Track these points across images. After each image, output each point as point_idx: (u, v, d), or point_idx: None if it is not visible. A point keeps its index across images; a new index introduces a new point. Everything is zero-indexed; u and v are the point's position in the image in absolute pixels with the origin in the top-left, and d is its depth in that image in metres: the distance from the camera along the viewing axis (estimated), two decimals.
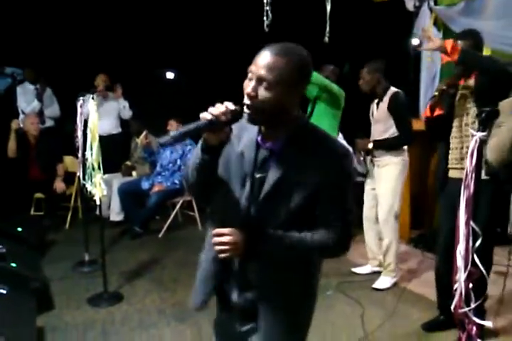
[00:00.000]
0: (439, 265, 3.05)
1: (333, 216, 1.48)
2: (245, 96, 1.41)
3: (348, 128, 4.81)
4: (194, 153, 1.53)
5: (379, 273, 3.95)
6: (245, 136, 1.54)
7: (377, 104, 3.84)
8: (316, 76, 4.04)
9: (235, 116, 1.38)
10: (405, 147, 3.82)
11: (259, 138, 1.52)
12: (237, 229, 1.45)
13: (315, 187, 1.44)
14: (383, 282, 3.82)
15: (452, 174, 2.87)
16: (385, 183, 3.76)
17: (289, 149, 1.47)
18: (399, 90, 3.72)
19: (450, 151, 2.87)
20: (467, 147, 2.65)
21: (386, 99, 3.71)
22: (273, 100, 1.39)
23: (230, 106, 1.38)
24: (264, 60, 1.38)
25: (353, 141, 4.09)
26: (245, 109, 1.41)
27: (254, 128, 1.53)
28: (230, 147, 1.52)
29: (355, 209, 1.56)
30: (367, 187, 3.98)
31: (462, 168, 2.63)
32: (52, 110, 6.01)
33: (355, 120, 4.46)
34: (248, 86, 1.40)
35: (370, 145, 3.79)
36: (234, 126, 1.49)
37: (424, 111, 3.02)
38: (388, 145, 3.74)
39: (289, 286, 1.56)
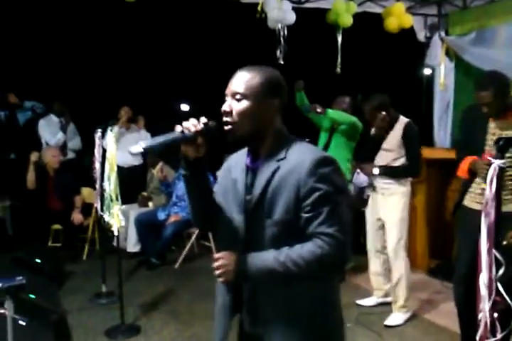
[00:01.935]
0: (459, 296, 2.95)
1: (318, 223, 1.44)
2: (223, 115, 1.52)
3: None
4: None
5: (387, 303, 3.86)
6: (239, 164, 1.62)
7: (386, 131, 3.74)
8: (343, 115, 4.08)
9: (209, 129, 1.48)
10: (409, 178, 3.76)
11: (247, 161, 1.60)
12: (235, 252, 1.51)
13: (294, 195, 1.46)
14: (395, 319, 3.67)
15: (473, 206, 2.85)
16: (393, 214, 3.66)
17: (267, 163, 1.53)
18: (410, 120, 3.69)
19: (473, 184, 2.86)
20: None
21: (398, 128, 3.65)
22: (247, 111, 1.50)
23: (203, 119, 1.49)
24: (233, 79, 1.54)
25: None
26: (225, 127, 1.51)
27: (245, 155, 1.62)
28: (227, 177, 1.64)
29: (348, 218, 1.49)
30: (371, 218, 3.86)
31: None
32: (75, 143, 6.15)
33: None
34: (224, 105, 1.53)
35: (376, 171, 3.68)
36: (232, 156, 1.68)
37: (460, 171, 2.93)
38: (395, 173, 3.66)
39: (300, 322, 1.53)
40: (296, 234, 1.48)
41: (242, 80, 1.52)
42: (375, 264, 3.93)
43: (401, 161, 3.65)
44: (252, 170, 1.58)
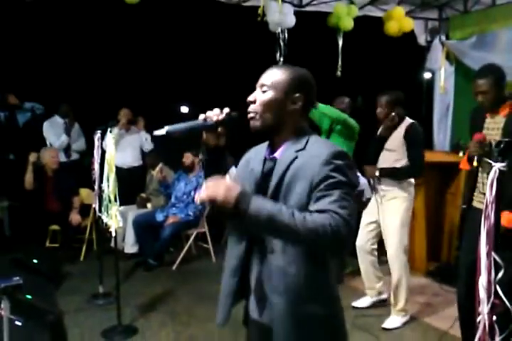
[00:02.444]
0: (461, 299, 2.96)
1: (329, 201, 1.41)
2: (248, 105, 1.59)
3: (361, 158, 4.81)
4: None
5: (383, 301, 3.87)
6: (258, 156, 1.68)
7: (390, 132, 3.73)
8: (334, 110, 4.08)
9: (231, 118, 1.53)
10: (413, 181, 3.71)
11: (267, 153, 1.65)
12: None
13: (308, 184, 1.47)
14: (393, 322, 3.66)
15: (476, 204, 2.86)
16: (393, 218, 3.63)
17: (285, 154, 1.57)
18: (415, 121, 3.67)
19: (477, 184, 2.86)
20: None
21: (402, 128, 3.63)
22: (270, 102, 1.56)
23: (225, 109, 1.54)
24: (265, 73, 1.61)
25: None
26: (248, 116, 1.58)
27: (265, 147, 1.67)
28: (245, 168, 1.69)
29: (354, 212, 1.45)
30: (366, 219, 3.85)
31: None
32: (79, 144, 6.13)
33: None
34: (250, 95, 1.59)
35: (377, 173, 3.65)
36: (251, 151, 1.75)
37: (461, 163, 3.00)
38: (396, 174, 3.63)
39: (305, 309, 1.54)
40: None
41: (271, 74, 1.59)
42: (365, 264, 3.93)
43: (403, 162, 3.62)
44: (269, 161, 1.62)
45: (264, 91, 1.57)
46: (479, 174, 2.82)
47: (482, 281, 1.73)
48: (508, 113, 2.71)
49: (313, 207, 1.43)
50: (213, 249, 5.42)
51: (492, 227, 1.71)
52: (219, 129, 1.54)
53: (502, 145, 1.73)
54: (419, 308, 3.95)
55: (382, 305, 3.94)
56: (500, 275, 1.70)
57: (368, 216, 3.85)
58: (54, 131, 5.92)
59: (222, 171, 1.59)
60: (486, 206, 1.72)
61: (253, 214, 1.36)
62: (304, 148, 1.55)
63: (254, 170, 1.64)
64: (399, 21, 5.45)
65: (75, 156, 6.09)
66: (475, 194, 2.89)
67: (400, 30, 5.49)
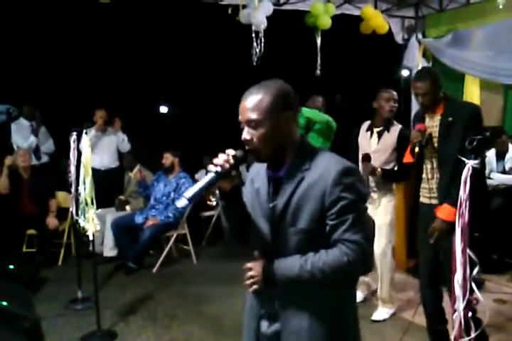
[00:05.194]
0: (423, 290, 3.08)
1: (343, 230, 1.48)
2: (245, 144, 1.55)
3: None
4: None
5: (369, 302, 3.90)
6: (260, 174, 1.67)
7: (379, 133, 3.74)
8: (316, 113, 4.10)
9: (239, 160, 1.52)
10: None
11: (269, 171, 1.63)
12: (263, 260, 1.58)
13: (320, 204, 1.50)
14: (381, 313, 3.79)
15: (422, 200, 3.04)
16: (384, 217, 3.73)
17: (291, 173, 1.56)
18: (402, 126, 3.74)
19: (422, 180, 3.01)
20: (437, 178, 2.87)
21: (394, 130, 3.67)
22: (267, 135, 1.51)
23: (231, 152, 1.51)
24: (243, 105, 1.53)
25: None
26: (249, 154, 1.55)
27: (265, 165, 1.65)
28: (251, 187, 1.69)
29: (370, 226, 1.56)
30: None
31: (429, 197, 2.94)
32: (48, 146, 6.03)
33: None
34: (243, 134, 1.54)
35: (378, 172, 3.60)
36: (253, 167, 1.73)
37: (405, 158, 3.13)
38: (393, 176, 3.71)
39: (317, 318, 1.56)
40: (319, 242, 1.52)
41: (252, 106, 1.52)
42: None
43: (392, 165, 3.68)
44: (274, 180, 1.61)
45: (254, 127, 1.52)
46: (424, 167, 2.96)
47: (458, 278, 1.73)
48: (442, 111, 2.85)
49: (330, 236, 1.50)
50: (194, 250, 5.39)
51: (466, 225, 1.71)
52: (232, 173, 1.53)
53: (475, 143, 1.73)
54: (399, 304, 3.98)
55: (367, 302, 4.03)
56: (475, 272, 1.71)
57: None
58: (21, 134, 5.81)
59: (241, 209, 1.65)
60: (460, 204, 1.72)
61: (282, 283, 1.54)
62: (309, 168, 1.55)
63: (260, 190, 1.64)
64: (371, 20, 5.49)
65: (44, 159, 5.99)
66: (421, 189, 3.05)
67: (374, 28, 5.52)
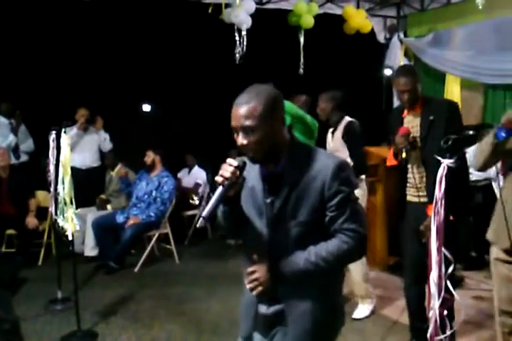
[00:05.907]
0: (407, 291, 3.10)
1: (342, 220, 1.62)
2: (242, 148, 1.62)
3: None
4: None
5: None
6: (252, 171, 1.72)
7: (333, 133, 3.90)
8: (291, 106, 4.09)
9: (242, 168, 1.60)
10: (363, 177, 3.86)
11: (263, 169, 1.71)
12: (262, 257, 1.66)
13: (318, 197, 1.61)
14: (362, 311, 3.80)
15: (410, 198, 3.03)
16: None
17: (288, 169, 1.65)
18: (353, 120, 3.79)
19: (408, 180, 3.01)
20: (423, 177, 2.88)
21: (341, 128, 3.78)
22: (263, 139, 1.58)
23: (234, 163, 1.58)
24: (237, 113, 1.57)
25: None
26: (246, 159, 1.63)
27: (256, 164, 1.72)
28: (244, 186, 1.72)
29: (363, 212, 1.67)
30: None
31: (418, 196, 2.93)
32: (28, 145, 5.97)
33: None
34: (238, 139, 1.60)
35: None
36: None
37: (388, 161, 3.15)
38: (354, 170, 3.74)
39: (312, 293, 1.68)
40: (318, 233, 1.64)
41: (246, 114, 1.56)
42: None
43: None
44: (268, 177, 1.69)
45: (250, 132, 1.57)
46: (408, 167, 2.96)
47: (433, 276, 1.74)
48: (422, 110, 2.89)
49: (329, 227, 1.63)
50: (176, 250, 5.37)
51: (441, 224, 1.72)
52: (238, 181, 1.61)
53: (450, 142, 1.74)
54: (381, 302, 3.99)
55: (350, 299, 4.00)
56: (450, 270, 1.72)
57: None
58: (0, 132, 5.73)
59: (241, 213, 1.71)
60: (436, 202, 1.73)
61: (289, 280, 1.64)
62: (307, 162, 1.64)
63: (255, 188, 1.70)
64: (352, 20, 5.52)
65: (24, 158, 5.93)
66: (407, 188, 3.04)
67: (355, 28, 5.56)
